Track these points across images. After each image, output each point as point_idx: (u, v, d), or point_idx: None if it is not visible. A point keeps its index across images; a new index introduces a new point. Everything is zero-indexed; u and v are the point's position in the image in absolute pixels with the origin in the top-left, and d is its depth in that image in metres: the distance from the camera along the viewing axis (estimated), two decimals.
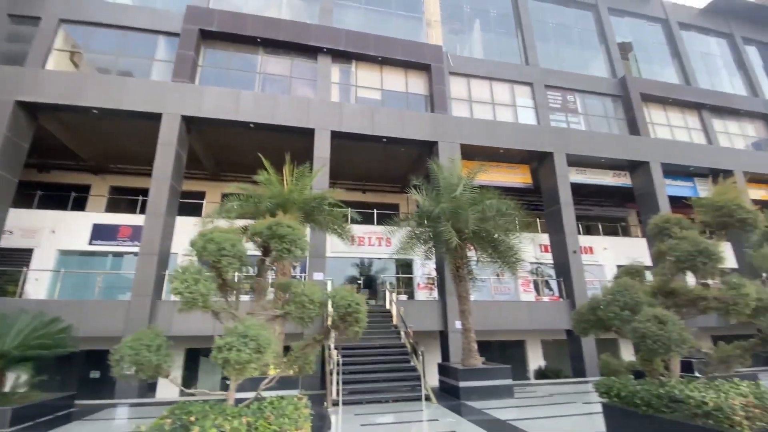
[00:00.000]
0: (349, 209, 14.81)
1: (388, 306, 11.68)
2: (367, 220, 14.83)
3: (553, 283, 15.12)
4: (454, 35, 16.28)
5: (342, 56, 13.91)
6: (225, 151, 13.99)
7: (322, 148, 11.71)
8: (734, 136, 18.06)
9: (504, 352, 15.16)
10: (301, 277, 12.75)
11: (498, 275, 12.64)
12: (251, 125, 11.82)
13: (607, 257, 16.36)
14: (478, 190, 9.18)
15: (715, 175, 16.10)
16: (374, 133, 12.57)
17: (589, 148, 14.54)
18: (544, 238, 14.94)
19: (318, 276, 10.47)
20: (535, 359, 15.13)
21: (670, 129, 16.81)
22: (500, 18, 16.97)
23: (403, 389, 8.29)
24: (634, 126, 15.70)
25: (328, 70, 13.53)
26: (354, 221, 15.22)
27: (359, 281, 15.00)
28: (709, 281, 4.38)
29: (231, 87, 12.36)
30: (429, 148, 13.35)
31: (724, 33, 20.35)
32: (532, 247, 15.99)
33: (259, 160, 8.53)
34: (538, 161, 14.50)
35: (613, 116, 16.27)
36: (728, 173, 15.76)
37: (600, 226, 17.77)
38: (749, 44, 20.74)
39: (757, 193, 16.92)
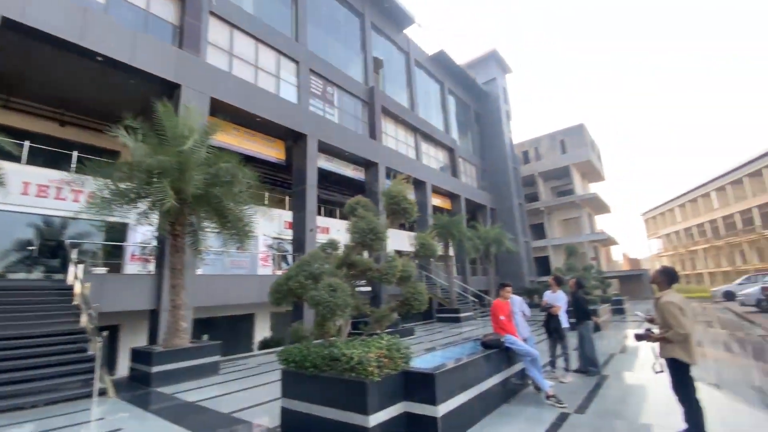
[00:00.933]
0: (28, 143, 10.30)
1: (71, 281, 8.76)
2: (62, 163, 10.86)
3: (291, 259, 15.87)
4: None
5: None
6: None
7: None
8: (432, 158, 24.65)
9: (232, 327, 14.75)
10: None
11: (237, 249, 12.02)
12: None
13: (340, 237, 18.70)
14: (216, 150, 8.21)
15: (418, 183, 21.43)
16: (84, 44, 9.13)
17: (339, 140, 16.07)
18: (289, 216, 15.46)
19: None
20: (262, 331, 15.48)
21: (395, 141, 21.04)
22: None
23: (71, 386, 6.32)
24: (372, 131, 18.60)
25: None
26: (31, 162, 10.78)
27: (32, 248, 10.72)
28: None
29: None
30: (170, 90, 11.03)
31: (439, 80, 27.40)
32: (277, 223, 16.32)
33: None
34: (294, 140, 14.75)
35: (360, 118, 18.69)
36: (422, 183, 21.31)
37: (338, 211, 20.15)
38: (451, 94, 28.83)
39: (437, 200, 23.78)
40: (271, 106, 13.39)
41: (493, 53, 32.59)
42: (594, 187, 41.19)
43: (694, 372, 3.46)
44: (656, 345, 3.61)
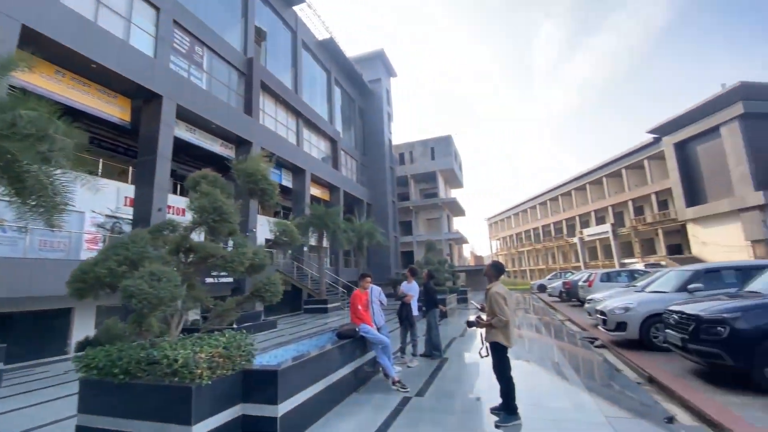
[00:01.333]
0: None
1: None
2: None
3: None
4: None
5: None
6: None
7: None
8: (314, 146, 24.04)
9: (40, 325, 11.69)
10: None
11: (53, 227, 9.37)
12: None
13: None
14: (21, 94, 6.14)
15: (297, 170, 20.58)
16: None
17: (206, 109, 14.14)
18: (132, 190, 12.95)
19: None
20: (84, 329, 12.61)
21: (275, 122, 19.74)
22: None
23: None
24: (249, 106, 17.01)
25: None
26: None
27: None
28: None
29: None
30: None
31: (327, 68, 26.88)
32: (113, 197, 13.43)
33: None
34: (144, 100, 12.34)
35: (234, 89, 16.86)
36: (302, 171, 20.61)
37: None
38: (337, 85, 28.61)
39: (316, 190, 23.36)
40: (115, 54, 10.89)
41: (380, 54, 33.64)
42: (454, 193, 46.72)
43: (511, 351, 4.02)
44: (484, 330, 4.08)
